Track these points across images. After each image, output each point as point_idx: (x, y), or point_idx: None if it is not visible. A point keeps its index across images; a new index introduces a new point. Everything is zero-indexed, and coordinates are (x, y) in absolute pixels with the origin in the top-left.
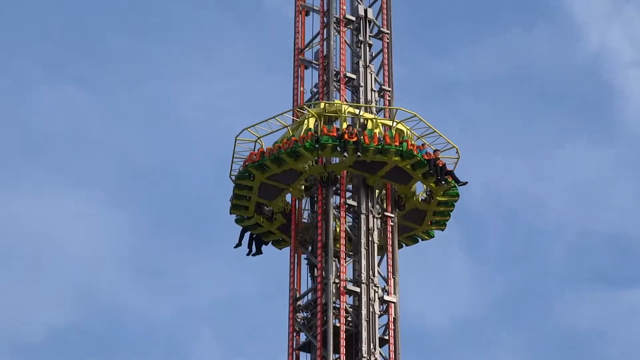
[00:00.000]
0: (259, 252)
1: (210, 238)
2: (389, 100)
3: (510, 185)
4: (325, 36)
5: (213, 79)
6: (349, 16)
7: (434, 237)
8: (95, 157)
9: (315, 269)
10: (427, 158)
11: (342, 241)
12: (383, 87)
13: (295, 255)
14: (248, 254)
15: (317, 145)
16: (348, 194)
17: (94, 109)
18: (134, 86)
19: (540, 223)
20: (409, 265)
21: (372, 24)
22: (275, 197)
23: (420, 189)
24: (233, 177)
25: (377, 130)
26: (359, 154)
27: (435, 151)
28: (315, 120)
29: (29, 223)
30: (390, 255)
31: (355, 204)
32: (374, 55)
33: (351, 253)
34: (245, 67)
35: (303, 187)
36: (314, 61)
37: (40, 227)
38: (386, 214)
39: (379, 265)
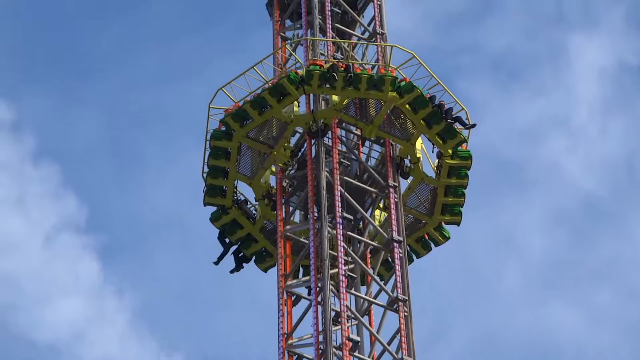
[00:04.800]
0: (239, 267)
1: None
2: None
3: None
4: None
5: None
6: None
7: (449, 238)
8: None
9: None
10: (428, 97)
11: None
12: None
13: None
14: (218, 262)
15: (302, 77)
16: None
17: None
18: None
19: None
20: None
21: None
22: (257, 171)
23: (426, 164)
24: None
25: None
26: (350, 80)
27: (440, 102)
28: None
29: None
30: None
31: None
32: None
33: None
34: None
35: (289, 152)
36: None
37: None
38: (390, 182)
39: None
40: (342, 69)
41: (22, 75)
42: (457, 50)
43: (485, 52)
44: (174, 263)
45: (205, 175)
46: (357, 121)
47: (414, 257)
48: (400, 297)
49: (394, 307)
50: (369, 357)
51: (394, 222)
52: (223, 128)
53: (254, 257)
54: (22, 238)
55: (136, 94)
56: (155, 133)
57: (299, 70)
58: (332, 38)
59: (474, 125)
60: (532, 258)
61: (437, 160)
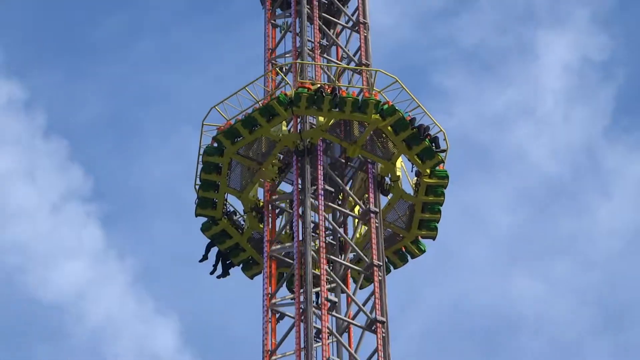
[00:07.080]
0: (225, 274)
1: None
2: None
3: None
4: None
5: None
6: None
7: (425, 251)
8: None
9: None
10: (409, 120)
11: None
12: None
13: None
14: (212, 273)
15: (291, 99)
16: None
17: None
18: None
19: None
20: None
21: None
22: (247, 186)
23: (405, 182)
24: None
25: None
26: (336, 103)
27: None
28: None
29: None
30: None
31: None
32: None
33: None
34: None
35: (277, 168)
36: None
37: None
38: (371, 207)
39: None
40: (329, 91)
41: (34, 54)
42: (434, 44)
43: (460, 46)
44: (169, 230)
45: (197, 187)
46: (342, 141)
47: (392, 267)
48: (378, 319)
49: (372, 328)
50: None
51: (374, 248)
52: (215, 144)
53: (241, 265)
54: (32, 206)
55: (137, 75)
56: (155, 111)
57: (287, 92)
58: (321, 56)
59: (444, 150)
60: (497, 233)
61: (415, 179)
